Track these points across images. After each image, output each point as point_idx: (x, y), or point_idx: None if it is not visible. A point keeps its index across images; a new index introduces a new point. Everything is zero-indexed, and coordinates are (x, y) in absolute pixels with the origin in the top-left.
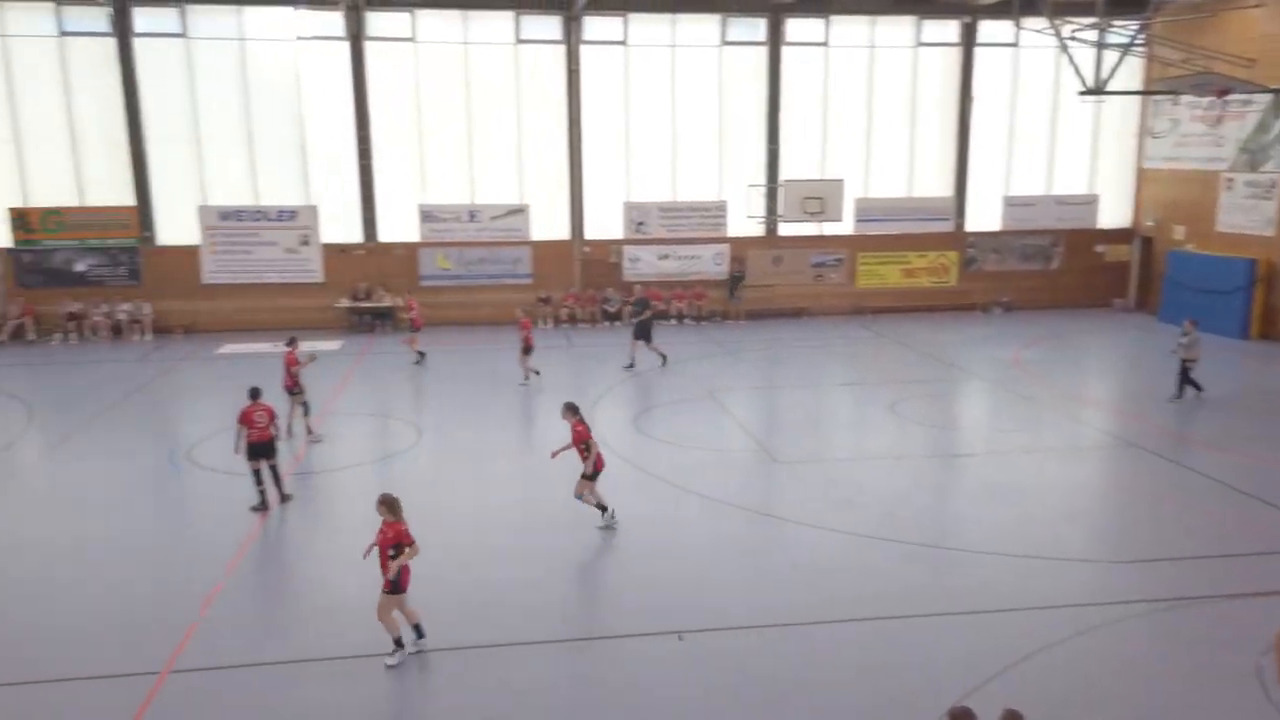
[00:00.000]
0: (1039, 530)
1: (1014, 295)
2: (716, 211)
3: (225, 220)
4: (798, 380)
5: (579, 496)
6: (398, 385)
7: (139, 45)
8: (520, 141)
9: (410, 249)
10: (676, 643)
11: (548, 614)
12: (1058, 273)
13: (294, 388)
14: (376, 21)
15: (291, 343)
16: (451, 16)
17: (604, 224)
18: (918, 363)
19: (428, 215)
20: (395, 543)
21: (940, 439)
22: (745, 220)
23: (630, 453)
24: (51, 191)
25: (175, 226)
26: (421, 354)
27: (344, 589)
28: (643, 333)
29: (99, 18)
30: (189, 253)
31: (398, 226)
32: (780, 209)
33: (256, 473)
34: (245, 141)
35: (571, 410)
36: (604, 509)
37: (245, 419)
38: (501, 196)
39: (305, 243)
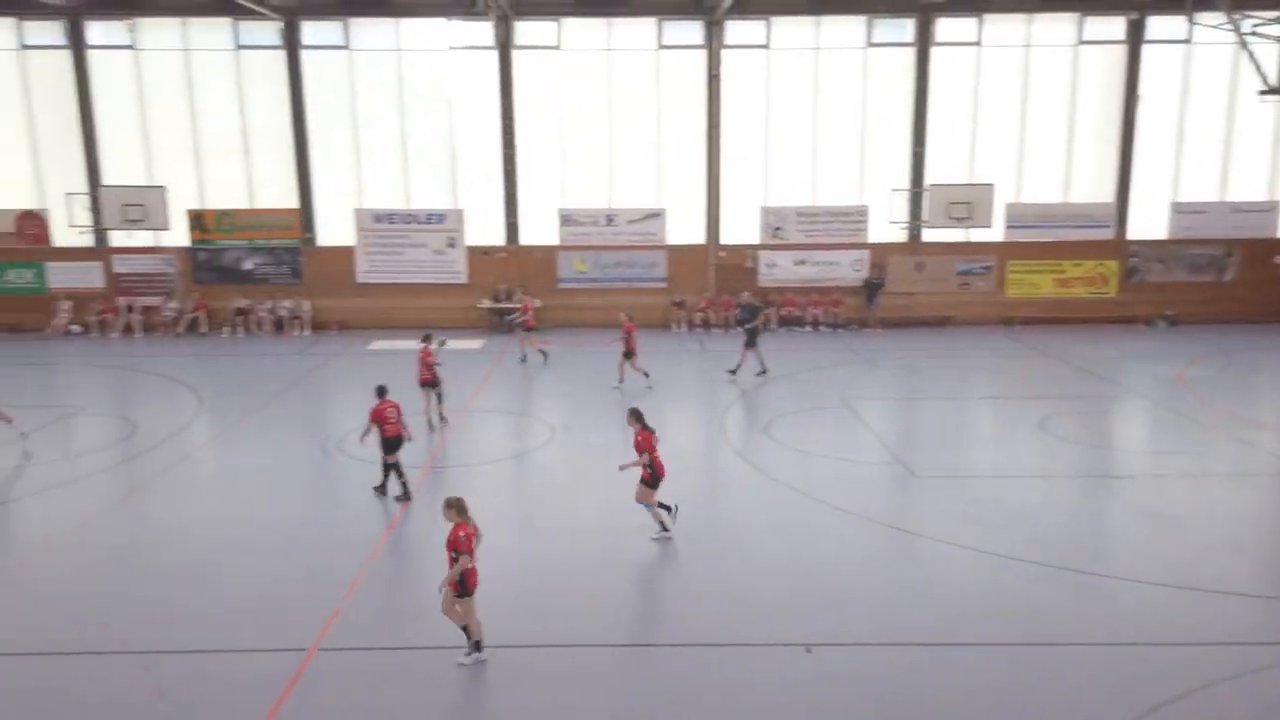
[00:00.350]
0: (1199, 560)
1: (1180, 308)
2: (857, 216)
3: (378, 223)
4: (938, 392)
5: (640, 501)
6: (534, 384)
7: (306, 58)
8: (659, 146)
9: (549, 252)
10: (804, 655)
11: (671, 618)
12: (1231, 285)
13: (431, 381)
14: (524, 30)
15: (426, 339)
16: (596, 24)
17: (740, 228)
18: (1071, 378)
19: (566, 219)
20: (453, 546)
21: (1093, 459)
22: (887, 225)
23: (759, 459)
24: (224, 195)
25: (333, 228)
26: (544, 353)
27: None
28: (751, 340)
29: (271, 32)
30: (345, 253)
31: (538, 229)
32: (924, 214)
33: (395, 465)
34: (399, 147)
35: (636, 417)
36: (665, 520)
37: (378, 416)
38: (639, 201)
39: (451, 245)
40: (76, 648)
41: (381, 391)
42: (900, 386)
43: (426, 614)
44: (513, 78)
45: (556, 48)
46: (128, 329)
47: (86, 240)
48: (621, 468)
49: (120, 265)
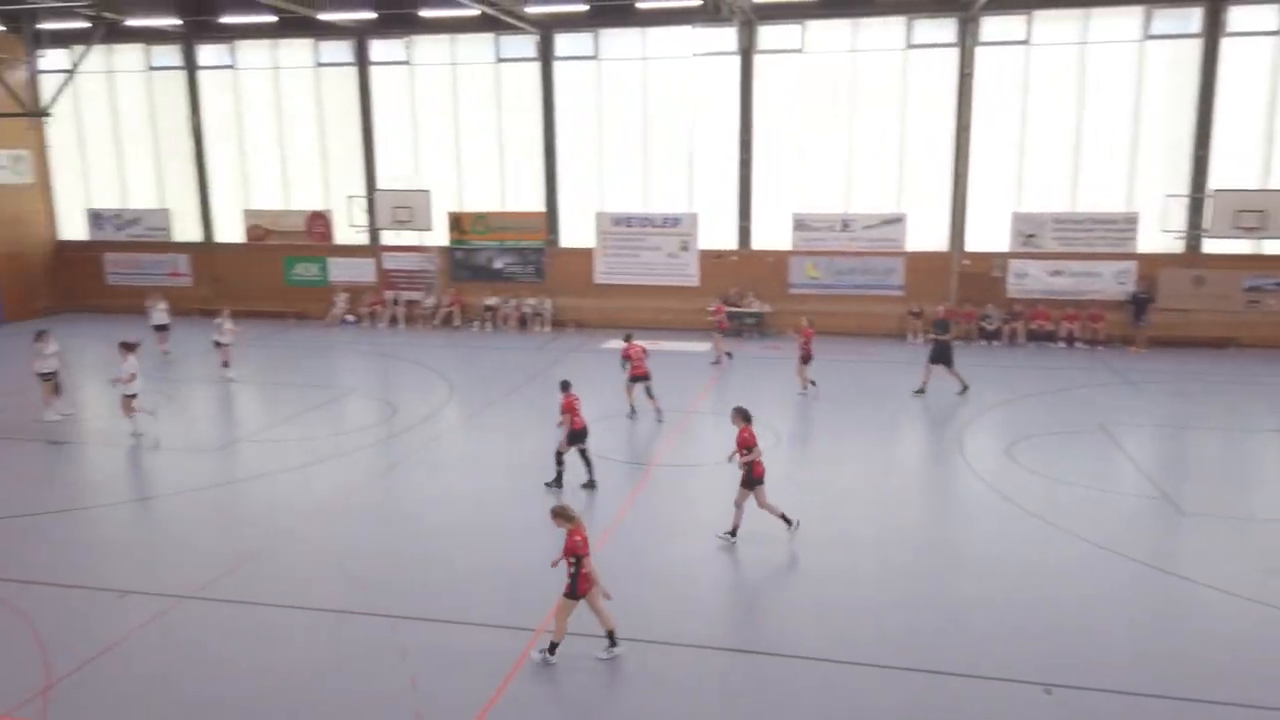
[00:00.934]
0: None
1: None
2: (1124, 224)
3: (617, 225)
4: (1216, 421)
5: (737, 504)
6: (762, 389)
7: (558, 68)
8: (902, 149)
9: (780, 256)
10: (1043, 696)
11: (897, 640)
12: None
13: (642, 375)
14: (767, 35)
15: (628, 338)
16: (840, 26)
17: (987, 235)
18: None
19: (800, 223)
20: (572, 552)
21: None
22: (1159, 235)
23: (1001, 483)
24: (480, 198)
25: (575, 230)
26: (729, 355)
27: (698, 579)
28: (942, 356)
29: (528, 45)
30: (585, 254)
31: (770, 234)
32: (1206, 223)
33: (583, 453)
34: (640, 152)
35: (742, 416)
36: (740, 526)
37: (569, 407)
38: (877, 205)
39: (685, 248)
40: (337, 605)
41: (565, 386)
42: (1168, 412)
43: (643, 606)
44: (753, 82)
45: (799, 51)
46: (392, 320)
47: (362, 239)
48: (730, 460)
49: (389, 262)
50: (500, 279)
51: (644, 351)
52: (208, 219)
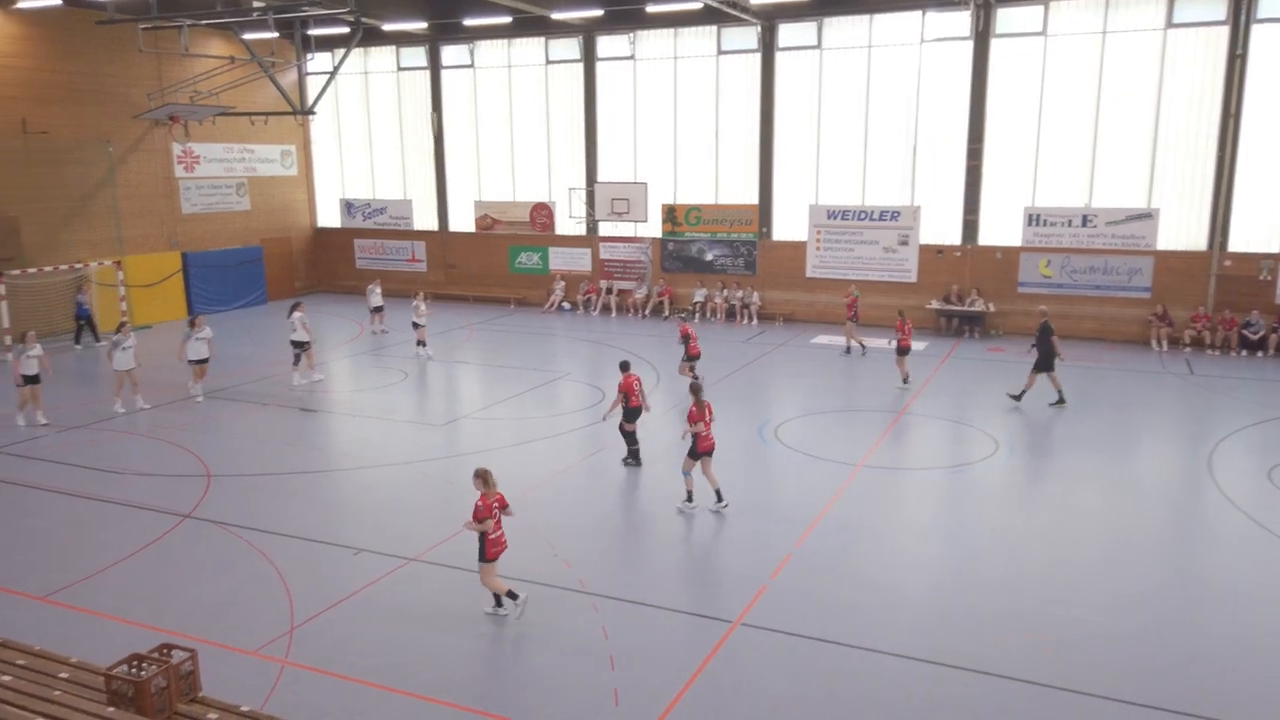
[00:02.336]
0: None
1: None
2: None
3: (832, 219)
4: None
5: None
6: (980, 393)
7: (780, 59)
8: (1155, 138)
9: (1010, 253)
10: None
11: (1124, 673)
12: None
13: (696, 355)
14: (1007, 18)
15: (684, 319)
16: (1092, 5)
17: (1255, 234)
18: None
19: (1034, 218)
20: (482, 516)
21: None
22: None
23: (1258, 509)
24: (694, 190)
25: (788, 223)
26: (862, 345)
27: (905, 586)
28: (1045, 364)
29: (750, 36)
30: (797, 248)
31: (1000, 229)
32: None
33: (632, 433)
34: (860, 143)
35: (696, 392)
36: (694, 494)
37: (627, 388)
38: (1124, 200)
39: (904, 243)
40: (543, 579)
41: (625, 366)
42: None
43: (843, 607)
44: (987, 68)
45: (1041, 33)
46: (605, 309)
47: (580, 229)
48: (683, 436)
49: (605, 252)
50: (711, 270)
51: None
52: (443, 209)
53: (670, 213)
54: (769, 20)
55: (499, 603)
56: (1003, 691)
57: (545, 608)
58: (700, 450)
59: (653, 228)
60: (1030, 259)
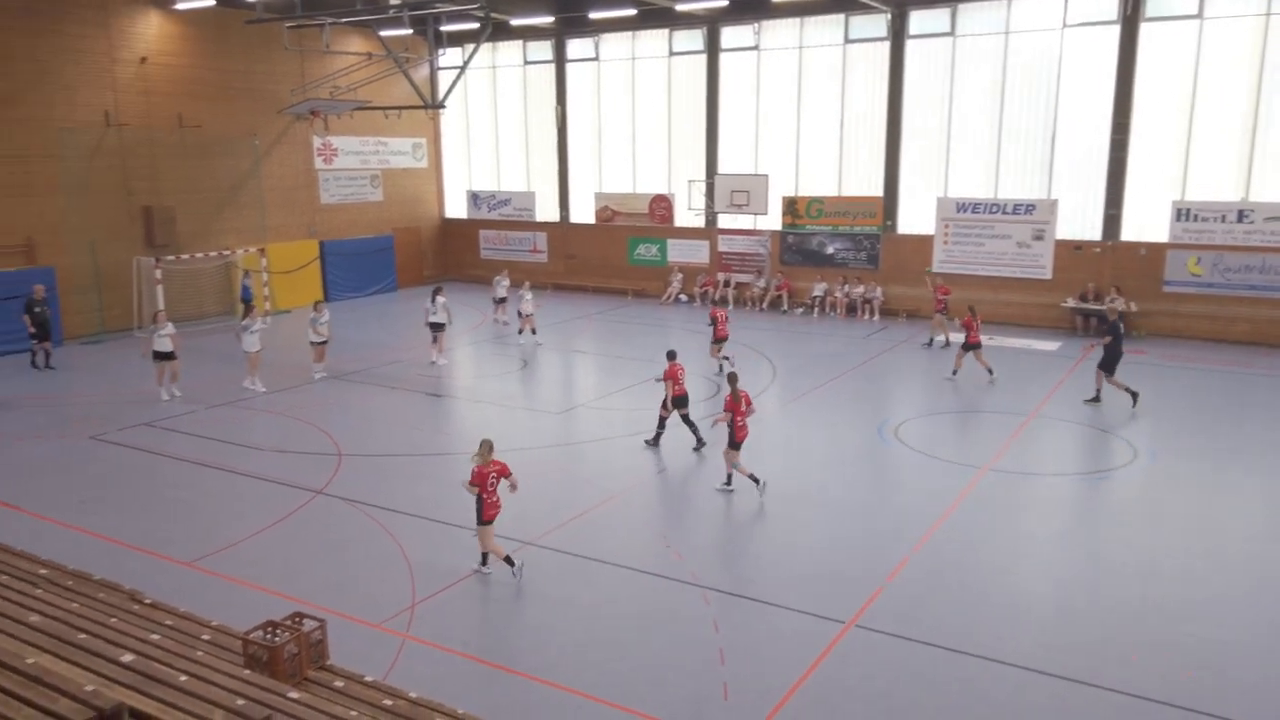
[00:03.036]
0: None
1: None
2: None
3: (961, 212)
4: None
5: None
6: (1118, 397)
7: (910, 47)
8: None
9: (1156, 250)
10: None
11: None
12: None
13: (724, 337)
14: (1156, 0)
15: (716, 303)
16: None
17: None
18: None
19: (1183, 213)
20: (475, 483)
21: None
22: None
23: None
24: (816, 182)
25: (913, 216)
26: (944, 340)
27: (1030, 595)
28: (1108, 364)
29: (879, 25)
30: (924, 241)
31: (1144, 225)
32: None
33: (685, 418)
34: (992, 134)
35: (732, 381)
36: (734, 477)
37: (672, 375)
38: None
39: (1039, 238)
40: (655, 569)
41: (672, 355)
42: None
43: (963, 614)
44: (1135, 54)
45: (1197, 16)
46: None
47: (699, 221)
48: (714, 424)
49: (723, 244)
50: (831, 264)
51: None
52: (565, 200)
53: (791, 205)
54: (899, 7)
55: (485, 562)
56: (1134, 713)
57: (657, 598)
58: (739, 440)
59: (772, 220)
60: (1178, 256)
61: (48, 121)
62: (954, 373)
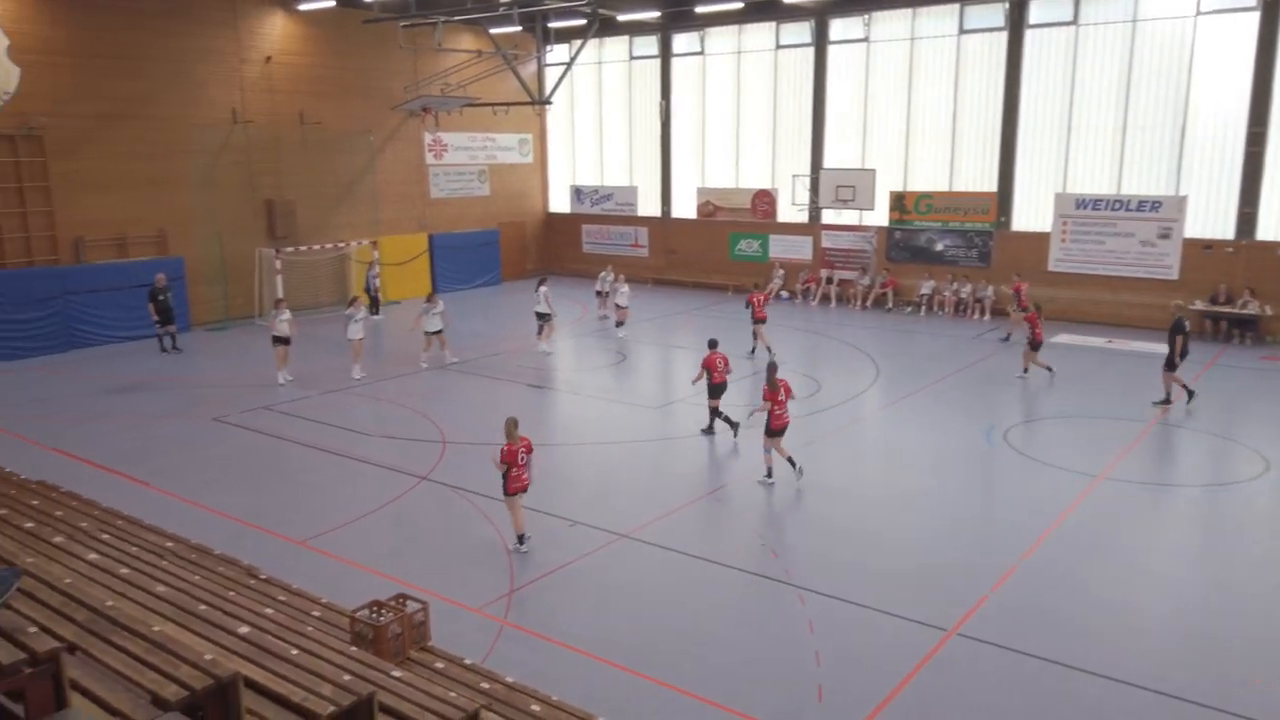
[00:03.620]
0: None
1: None
2: None
3: (1081, 209)
4: None
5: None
6: (1249, 405)
7: (1029, 37)
8: None
9: None
10: None
11: None
12: None
13: (763, 319)
14: None
15: (757, 288)
16: None
17: None
18: None
19: None
20: (505, 460)
21: None
22: None
23: None
24: (926, 177)
25: (1030, 212)
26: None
27: (1146, 611)
28: (1169, 362)
29: (996, 14)
30: (1039, 239)
31: None
32: None
33: (716, 409)
34: (1116, 127)
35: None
36: (773, 469)
37: (710, 364)
38: None
39: (1165, 236)
40: (749, 567)
41: (713, 344)
42: None
43: (1072, 627)
44: (1276, 42)
45: None
46: (824, 298)
47: (802, 217)
48: (750, 416)
49: (827, 240)
50: (940, 261)
51: (764, 299)
52: (667, 195)
53: (899, 200)
54: None
55: (521, 541)
56: None
57: (752, 596)
58: (774, 428)
59: (878, 216)
60: None
61: (181, 119)
62: (1042, 371)
